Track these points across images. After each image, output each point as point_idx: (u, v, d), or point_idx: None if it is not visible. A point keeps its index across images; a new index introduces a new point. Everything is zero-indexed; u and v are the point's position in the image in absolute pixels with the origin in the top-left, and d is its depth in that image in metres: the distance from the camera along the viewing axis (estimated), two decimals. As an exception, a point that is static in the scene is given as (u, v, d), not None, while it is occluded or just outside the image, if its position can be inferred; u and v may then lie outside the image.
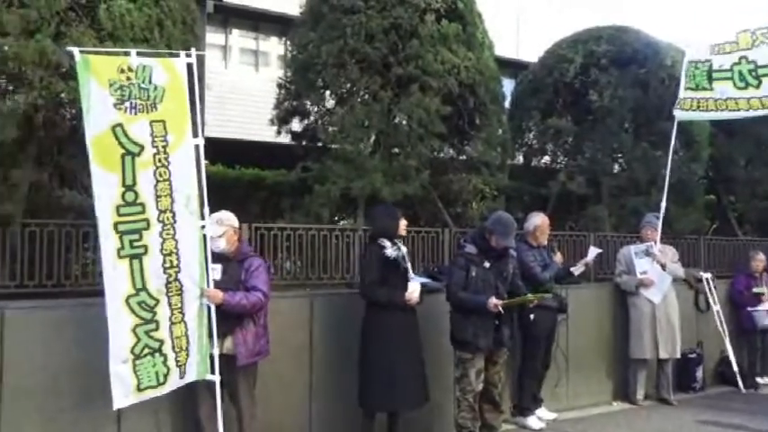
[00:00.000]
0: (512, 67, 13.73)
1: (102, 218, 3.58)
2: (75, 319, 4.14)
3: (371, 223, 4.89)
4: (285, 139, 6.68)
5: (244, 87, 13.26)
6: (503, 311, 4.65)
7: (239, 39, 14.32)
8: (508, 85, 7.83)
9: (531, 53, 9.83)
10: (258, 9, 13.46)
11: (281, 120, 6.54)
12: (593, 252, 6.07)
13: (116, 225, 3.60)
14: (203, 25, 8.50)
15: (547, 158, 8.40)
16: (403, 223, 4.74)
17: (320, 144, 6.37)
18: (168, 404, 4.20)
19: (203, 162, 3.94)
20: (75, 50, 3.57)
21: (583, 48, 7.84)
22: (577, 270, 5.91)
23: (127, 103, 3.62)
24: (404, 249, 4.59)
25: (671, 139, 6.49)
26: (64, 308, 4.19)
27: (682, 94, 6.46)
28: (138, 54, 3.71)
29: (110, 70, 3.60)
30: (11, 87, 4.39)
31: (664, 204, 6.38)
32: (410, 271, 4.55)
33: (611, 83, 7.52)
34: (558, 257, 5.78)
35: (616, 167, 8.11)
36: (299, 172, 6.10)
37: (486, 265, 4.78)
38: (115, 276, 3.61)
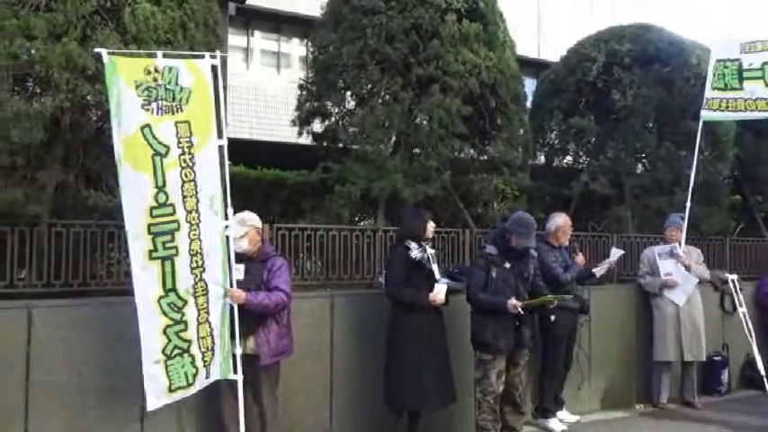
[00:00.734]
0: (533, 66, 13.65)
1: (131, 219, 3.61)
2: (100, 317, 4.20)
3: (399, 224, 4.90)
4: (306, 139, 6.71)
5: (265, 89, 13.36)
6: (522, 312, 4.63)
7: (261, 40, 14.43)
8: (530, 85, 7.78)
9: (553, 53, 9.75)
10: (280, 11, 13.56)
11: (303, 121, 6.57)
12: (615, 253, 6.01)
13: (149, 227, 3.62)
14: (225, 27, 8.57)
15: (569, 158, 8.32)
16: (431, 225, 4.76)
17: (341, 145, 6.39)
18: (191, 403, 4.25)
19: (227, 163, 3.98)
20: (104, 52, 3.62)
21: (605, 47, 7.75)
22: (600, 271, 5.86)
23: (154, 104, 3.66)
24: (430, 251, 4.61)
25: (696, 138, 6.39)
26: (89, 307, 4.25)
27: (709, 93, 6.36)
28: (165, 56, 3.75)
29: (137, 71, 3.64)
30: (38, 90, 4.47)
31: (689, 205, 6.29)
32: (436, 272, 4.56)
33: (634, 82, 7.43)
34: (581, 258, 5.74)
35: (639, 167, 8.01)
36: (319, 172, 6.12)
37: (507, 265, 4.75)
38: (145, 278, 3.64)
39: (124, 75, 3.60)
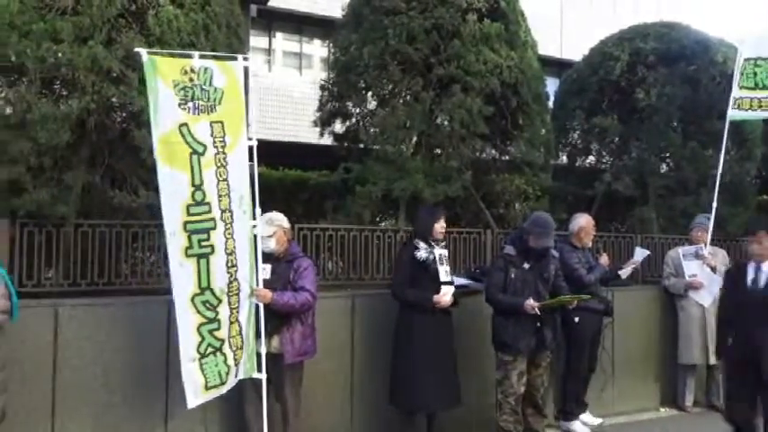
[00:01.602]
0: (555, 66, 13.55)
1: (169, 216, 3.64)
2: (125, 316, 4.26)
3: (412, 224, 4.89)
4: (328, 140, 6.74)
5: (287, 90, 13.44)
6: (540, 313, 4.59)
7: (283, 42, 14.52)
8: (552, 85, 7.72)
9: (575, 52, 9.67)
10: (301, 12, 13.63)
11: (324, 121, 6.60)
12: (640, 254, 5.94)
13: (185, 224, 3.66)
14: (247, 29, 8.64)
15: (592, 158, 8.25)
16: (439, 225, 4.68)
17: (362, 145, 6.40)
18: (215, 400, 4.28)
19: (256, 163, 4.01)
20: (143, 51, 3.67)
21: (629, 45, 7.68)
22: (625, 272, 5.79)
23: (190, 104, 3.70)
24: (439, 252, 4.59)
25: (722, 137, 6.29)
26: (114, 305, 4.31)
27: (737, 93, 6.25)
28: (200, 56, 3.80)
29: (174, 71, 3.68)
30: (65, 93, 4.54)
31: (714, 205, 6.19)
32: (443, 274, 4.55)
33: (658, 80, 7.34)
34: (605, 259, 5.67)
35: (664, 167, 7.91)
36: (341, 173, 6.14)
37: (526, 266, 4.73)
38: (181, 274, 3.67)
39: (162, 74, 3.65)
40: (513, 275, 4.69)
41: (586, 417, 5.66)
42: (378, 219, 6.58)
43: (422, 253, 4.52)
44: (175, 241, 3.65)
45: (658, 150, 7.64)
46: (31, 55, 4.15)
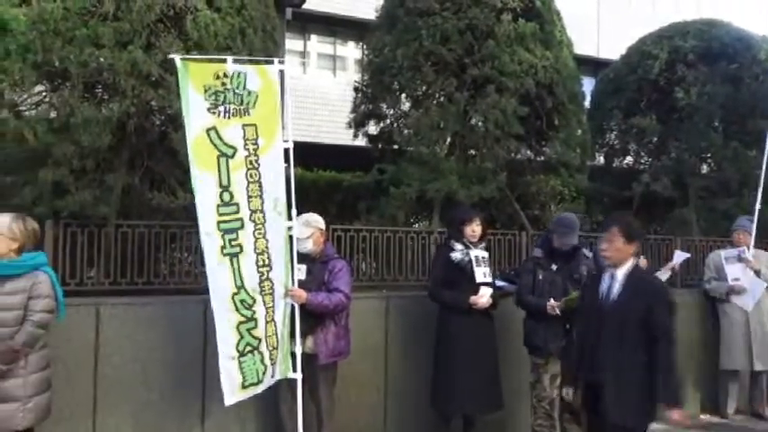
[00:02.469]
0: (592, 65, 13.36)
1: (203, 217, 3.72)
2: (164, 315, 4.34)
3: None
4: (362, 141, 6.77)
5: (322, 92, 13.52)
6: (560, 313, 4.49)
7: (317, 44, 14.63)
8: (588, 84, 7.62)
9: (613, 51, 9.52)
10: (336, 15, 13.71)
11: (358, 123, 6.62)
12: (679, 257, 5.81)
13: (218, 224, 3.74)
14: (283, 32, 8.72)
15: (629, 159, 8.11)
16: (469, 229, 4.61)
17: (396, 146, 6.41)
18: (250, 399, 4.32)
19: (292, 165, 4.06)
20: (176, 57, 3.76)
21: (668, 43, 7.54)
22: (663, 275, 5.69)
23: (221, 108, 3.76)
24: (476, 253, 4.56)
25: (765, 136, 6.11)
26: (153, 305, 4.40)
27: None
28: (234, 61, 3.87)
29: (206, 76, 3.75)
30: (106, 96, 4.65)
31: (758, 207, 6.02)
32: (479, 275, 4.51)
33: (698, 79, 7.19)
34: (643, 262, 5.55)
35: (704, 168, 7.73)
36: (375, 174, 6.15)
37: (554, 267, 4.67)
38: (219, 273, 3.74)
39: (193, 79, 3.72)
40: (540, 277, 4.66)
41: (624, 422, 5.55)
42: (412, 220, 6.58)
43: (457, 254, 4.51)
44: (212, 241, 3.73)
45: (698, 150, 7.47)
46: (74, 60, 4.26)
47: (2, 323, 3.34)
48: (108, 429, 4.17)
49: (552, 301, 4.50)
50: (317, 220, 4.30)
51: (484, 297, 4.49)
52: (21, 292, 3.38)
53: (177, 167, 4.62)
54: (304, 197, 4.34)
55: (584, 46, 11.44)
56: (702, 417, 6.19)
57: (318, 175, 7.87)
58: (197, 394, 4.31)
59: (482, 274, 4.56)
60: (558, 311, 4.48)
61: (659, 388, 3.41)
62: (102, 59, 4.30)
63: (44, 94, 4.67)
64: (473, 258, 4.54)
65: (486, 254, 4.70)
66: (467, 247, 4.56)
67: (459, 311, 4.51)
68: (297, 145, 4.14)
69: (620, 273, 3.58)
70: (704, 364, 6.29)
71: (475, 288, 4.50)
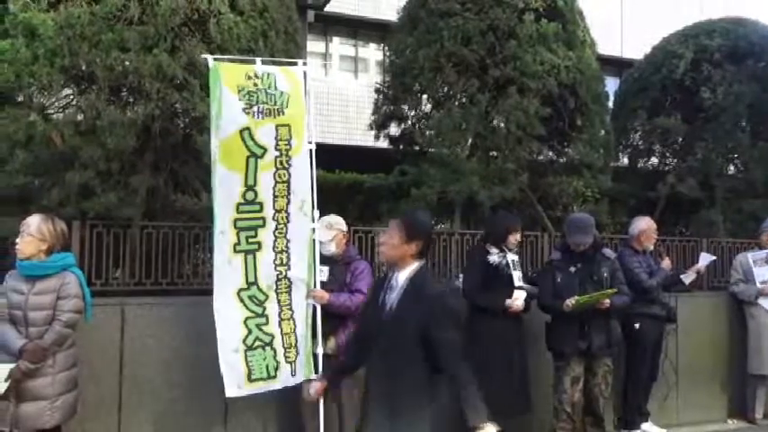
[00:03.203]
0: (615, 65, 13.22)
1: (220, 214, 3.76)
2: (187, 315, 4.39)
3: (484, 226, 4.90)
4: (383, 143, 6.77)
5: (343, 93, 13.55)
6: (570, 308, 4.46)
7: (339, 46, 14.66)
8: (611, 84, 7.54)
9: (637, 50, 9.40)
10: (357, 16, 13.73)
11: (380, 124, 6.63)
12: (705, 259, 5.72)
13: (235, 221, 3.78)
14: (305, 34, 8.78)
15: (654, 160, 8.01)
16: (513, 238, 4.64)
17: (417, 148, 6.41)
18: (273, 399, 4.37)
19: (314, 166, 4.07)
20: (209, 58, 3.80)
21: (694, 42, 7.42)
22: (688, 278, 5.60)
23: (255, 108, 3.77)
24: (512, 257, 4.56)
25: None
26: (177, 305, 4.45)
27: None
28: (263, 62, 3.90)
29: (238, 77, 3.78)
30: (131, 99, 4.72)
31: (787, 208, 5.92)
32: (516, 279, 4.50)
33: (725, 78, 7.07)
34: (666, 262, 5.49)
35: (731, 168, 7.60)
36: (396, 176, 6.16)
37: (572, 270, 4.63)
38: (230, 270, 3.79)
39: (226, 80, 3.74)
40: (559, 279, 4.64)
41: (648, 426, 5.49)
42: (433, 221, 6.56)
43: (494, 257, 4.49)
44: (224, 239, 3.77)
45: (725, 151, 7.36)
46: (101, 64, 4.33)
47: (32, 323, 3.41)
48: (132, 427, 4.23)
49: (568, 300, 4.47)
50: (338, 222, 4.32)
51: (518, 300, 4.48)
52: (50, 292, 3.44)
53: (201, 169, 4.67)
54: (326, 199, 4.36)
55: (607, 46, 11.32)
56: (730, 422, 6.09)
57: (340, 176, 7.88)
58: (220, 394, 4.34)
59: (518, 277, 4.56)
60: (571, 303, 4.43)
61: (465, 410, 2.85)
62: (127, 63, 4.36)
63: (71, 97, 4.75)
64: (509, 262, 4.53)
65: (518, 258, 4.71)
66: (502, 250, 4.53)
67: (491, 314, 4.49)
68: (318, 146, 4.16)
69: (402, 277, 2.98)
70: (731, 368, 6.19)
71: (509, 291, 4.48)
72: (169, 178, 4.88)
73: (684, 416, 5.94)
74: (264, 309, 3.88)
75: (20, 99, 4.52)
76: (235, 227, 3.79)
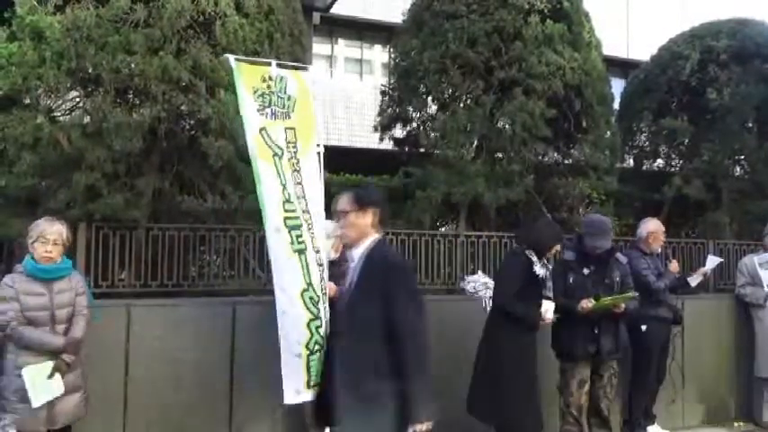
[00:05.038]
0: (621, 66, 13.19)
1: (270, 211, 3.67)
2: (193, 317, 4.39)
3: (526, 232, 4.69)
4: (388, 145, 6.77)
5: (349, 95, 13.57)
6: (584, 309, 4.41)
7: (345, 48, 14.68)
8: (617, 86, 7.52)
9: (643, 51, 9.38)
10: (363, 19, 13.75)
11: (385, 126, 6.63)
12: (712, 261, 5.70)
13: (285, 219, 3.69)
14: (310, 36, 8.79)
15: (660, 161, 7.98)
16: (555, 248, 4.45)
17: (422, 150, 6.41)
18: (279, 400, 4.35)
19: (322, 169, 4.07)
20: (231, 58, 3.81)
21: (700, 43, 7.40)
22: (694, 280, 5.57)
23: (268, 110, 3.80)
24: (549, 268, 4.49)
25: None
26: (182, 306, 4.45)
27: None
28: (277, 65, 3.91)
29: (255, 78, 3.80)
30: (137, 102, 4.73)
31: (794, 210, 5.89)
32: (549, 290, 4.46)
33: (731, 79, 7.04)
34: (674, 266, 5.47)
35: (738, 170, 7.57)
36: (401, 178, 6.16)
37: (585, 271, 4.60)
38: (289, 269, 3.67)
39: (245, 80, 3.77)
40: (571, 280, 4.59)
41: (654, 429, 5.46)
42: (438, 223, 6.56)
43: (539, 269, 4.31)
44: (280, 237, 3.66)
45: (732, 152, 7.33)
46: (107, 66, 4.35)
47: (58, 320, 3.60)
48: (138, 428, 4.23)
49: (584, 301, 4.43)
50: (334, 230, 4.28)
51: (549, 312, 4.33)
52: (68, 290, 3.65)
53: (206, 171, 4.69)
54: (331, 201, 4.36)
55: (613, 47, 11.30)
56: (736, 425, 6.06)
57: (345, 178, 7.89)
58: (225, 395, 4.36)
59: (549, 288, 4.50)
60: (585, 306, 4.39)
61: (408, 403, 2.61)
62: (133, 65, 4.38)
63: (78, 99, 4.78)
64: (547, 274, 4.45)
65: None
66: (542, 260, 4.38)
67: (527, 327, 4.28)
68: (324, 149, 4.16)
69: (357, 253, 2.79)
70: (738, 371, 6.16)
71: (540, 302, 4.34)
72: (175, 180, 4.90)
73: (690, 419, 5.91)
74: (319, 310, 3.70)
75: (27, 101, 4.54)
76: (285, 225, 3.68)
